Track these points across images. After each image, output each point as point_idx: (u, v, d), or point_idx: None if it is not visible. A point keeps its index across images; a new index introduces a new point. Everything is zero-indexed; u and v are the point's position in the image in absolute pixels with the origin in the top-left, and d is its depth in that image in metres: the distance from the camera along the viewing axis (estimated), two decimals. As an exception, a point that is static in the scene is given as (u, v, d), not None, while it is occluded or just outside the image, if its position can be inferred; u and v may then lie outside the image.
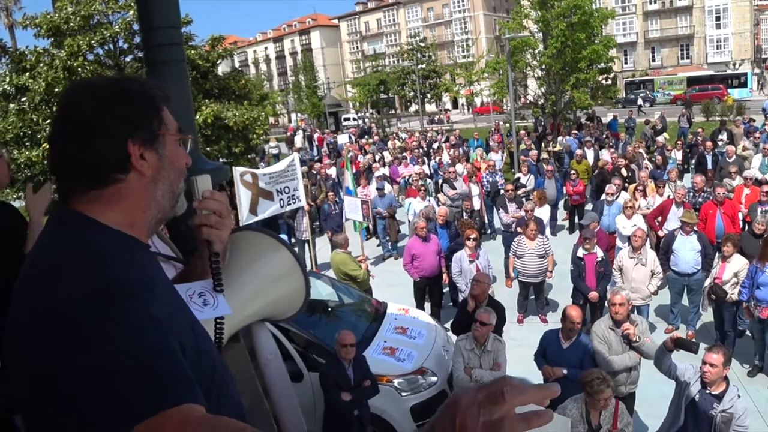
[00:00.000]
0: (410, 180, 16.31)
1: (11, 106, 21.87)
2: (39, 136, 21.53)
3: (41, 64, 21.68)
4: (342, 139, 32.41)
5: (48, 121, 21.44)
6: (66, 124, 1.21)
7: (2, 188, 2.85)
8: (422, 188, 13.69)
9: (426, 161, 19.99)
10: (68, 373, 0.98)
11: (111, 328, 1.00)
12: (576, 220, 13.90)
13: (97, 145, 1.18)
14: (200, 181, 1.47)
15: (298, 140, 36.14)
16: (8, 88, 21.83)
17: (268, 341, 1.93)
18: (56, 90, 21.17)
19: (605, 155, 16.90)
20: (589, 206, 13.92)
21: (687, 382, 5.03)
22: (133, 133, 1.20)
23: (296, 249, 12.71)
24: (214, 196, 1.46)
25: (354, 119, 58.49)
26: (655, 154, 16.16)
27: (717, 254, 8.47)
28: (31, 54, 22.51)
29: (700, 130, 20.37)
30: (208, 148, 21.43)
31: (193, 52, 23.41)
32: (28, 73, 21.86)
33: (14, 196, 19.96)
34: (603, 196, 11.54)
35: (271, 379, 1.83)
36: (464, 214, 12.02)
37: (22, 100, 21.87)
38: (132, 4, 22.83)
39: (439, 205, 12.56)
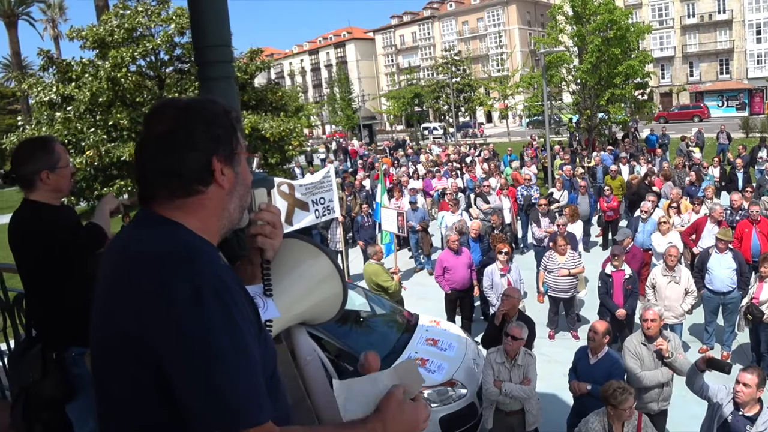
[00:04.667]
0: (444, 193, 16.36)
1: (57, 114, 22.52)
2: (83, 143, 22.15)
3: (86, 75, 22.28)
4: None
5: (92, 129, 22.09)
6: (155, 138, 1.33)
7: (64, 196, 3.03)
8: (455, 202, 13.70)
9: (459, 175, 20.01)
10: (172, 367, 1.15)
11: (217, 329, 1.16)
12: (610, 236, 13.80)
13: (187, 159, 1.31)
14: (257, 194, 1.59)
15: (356, 144, 39.85)
16: (55, 98, 22.49)
17: (307, 343, 2.03)
18: (100, 99, 21.76)
19: (643, 171, 16.73)
20: (623, 223, 13.80)
21: (719, 403, 4.97)
22: (217, 150, 1.34)
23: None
24: (269, 208, 1.59)
25: (436, 129, 58.09)
26: (690, 170, 15.92)
27: (753, 273, 8.35)
28: (77, 65, 23.18)
29: (740, 147, 20.03)
30: (244, 159, 21.76)
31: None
32: (73, 83, 22.50)
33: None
34: (637, 213, 11.45)
35: (311, 379, 1.93)
36: (494, 229, 11.95)
37: (68, 109, 22.51)
38: (174, 17, 23.44)
39: (471, 219, 12.59)
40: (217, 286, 1.20)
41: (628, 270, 8.62)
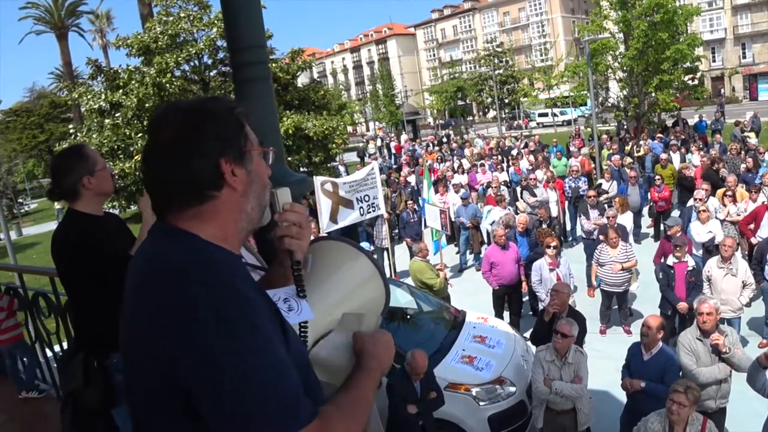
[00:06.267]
0: (489, 186, 16.15)
1: (106, 121, 23.24)
2: (131, 149, 22.79)
3: (133, 81, 22.91)
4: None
5: (140, 134, 22.68)
6: (161, 146, 1.29)
7: (108, 197, 3.07)
8: (501, 198, 13.41)
9: (504, 168, 19.77)
10: (200, 385, 1.11)
11: (243, 347, 1.12)
12: (661, 227, 13.42)
13: (193, 165, 1.25)
14: (280, 194, 1.55)
15: (404, 138, 41.36)
16: (104, 105, 23.18)
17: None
18: (147, 105, 22.33)
19: (695, 159, 16.23)
20: (675, 213, 13.41)
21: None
22: (224, 151, 1.28)
23: (375, 256, 12.93)
24: (293, 208, 1.54)
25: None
26: (747, 157, 15.34)
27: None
28: (123, 72, 23.87)
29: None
30: (289, 158, 22.06)
31: (274, 65, 24.24)
32: (121, 90, 23.16)
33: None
34: (691, 202, 11.09)
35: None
36: (542, 223, 11.72)
37: (116, 115, 23.19)
38: (215, 21, 23.85)
39: (517, 213, 12.41)
40: (237, 299, 1.16)
41: (691, 261, 8.30)
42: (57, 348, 5.42)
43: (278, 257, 1.61)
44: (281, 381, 1.15)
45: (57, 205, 35.34)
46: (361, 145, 36.13)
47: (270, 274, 1.65)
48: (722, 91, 53.02)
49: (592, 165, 19.17)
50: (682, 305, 8.09)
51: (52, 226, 29.18)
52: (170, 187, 1.28)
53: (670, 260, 8.40)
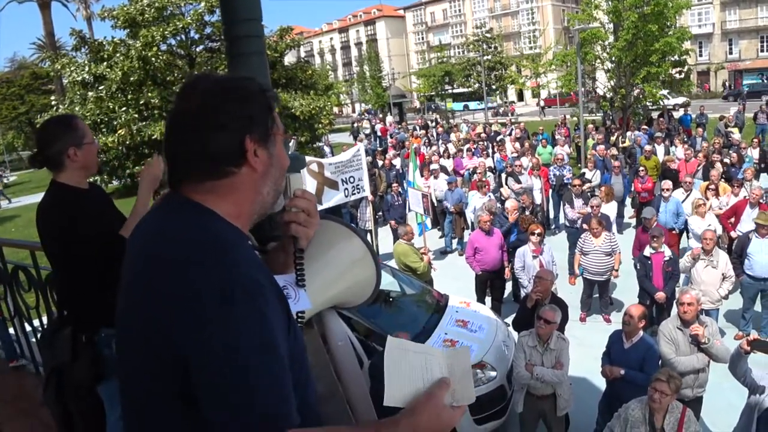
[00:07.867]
0: (475, 171, 16.14)
1: (90, 94, 22.89)
2: (115, 122, 22.49)
3: (118, 54, 22.57)
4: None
5: (123, 108, 22.38)
6: (185, 115, 1.26)
7: (92, 174, 3.00)
8: (482, 184, 13.42)
9: (490, 154, 19.76)
10: (200, 372, 1.09)
11: (246, 334, 1.10)
12: (644, 218, 13.51)
13: (218, 139, 1.23)
14: (293, 180, 1.52)
15: (389, 120, 42.33)
16: (87, 77, 22.83)
17: (339, 327, 1.99)
18: (132, 79, 22.04)
19: (679, 152, 16.33)
20: (656, 204, 13.51)
21: (763, 388, 4.83)
22: (250, 130, 1.26)
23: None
24: (304, 194, 1.51)
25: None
26: (730, 151, 15.46)
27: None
28: (108, 44, 23.49)
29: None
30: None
31: (262, 42, 24.06)
32: (105, 63, 22.82)
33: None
34: (665, 193, 11.13)
35: (342, 364, 1.88)
36: (525, 210, 11.73)
37: (100, 88, 22.85)
38: (204, -5, 23.49)
39: (503, 200, 12.42)
40: (244, 282, 1.13)
41: (667, 252, 8.44)
42: (36, 323, 5.35)
43: (281, 243, 1.58)
44: (279, 375, 1.13)
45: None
46: (355, 125, 37.07)
47: (271, 260, 1.62)
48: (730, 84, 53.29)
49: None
50: (660, 295, 8.23)
51: (32, 199, 28.80)
52: (189, 157, 1.25)
53: (647, 251, 8.52)
